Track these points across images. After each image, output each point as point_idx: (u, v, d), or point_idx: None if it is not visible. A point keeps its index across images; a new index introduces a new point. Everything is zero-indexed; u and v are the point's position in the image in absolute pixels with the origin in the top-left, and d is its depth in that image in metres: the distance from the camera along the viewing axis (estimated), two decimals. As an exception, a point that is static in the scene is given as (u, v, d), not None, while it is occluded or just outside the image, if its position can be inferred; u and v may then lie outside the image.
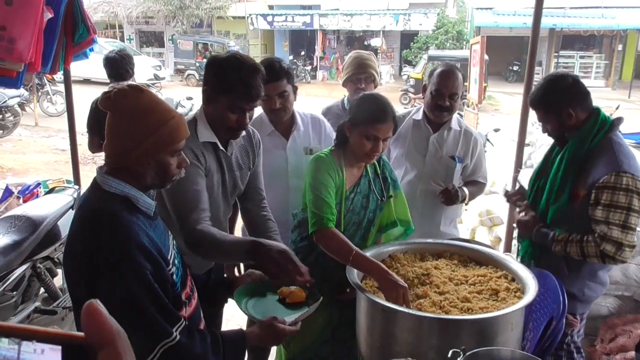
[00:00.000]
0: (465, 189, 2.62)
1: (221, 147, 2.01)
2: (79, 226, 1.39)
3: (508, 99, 17.31)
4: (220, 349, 1.48)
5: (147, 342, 1.32)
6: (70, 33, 3.02)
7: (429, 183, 2.66)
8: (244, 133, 2.09)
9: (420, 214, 2.67)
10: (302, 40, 24.74)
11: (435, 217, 2.71)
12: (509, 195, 2.72)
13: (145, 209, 1.45)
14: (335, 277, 2.11)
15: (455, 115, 2.69)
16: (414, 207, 2.68)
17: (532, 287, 1.76)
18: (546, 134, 2.30)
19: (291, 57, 23.00)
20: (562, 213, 2.22)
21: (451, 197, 2.54)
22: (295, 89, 2.46)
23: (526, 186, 3.40)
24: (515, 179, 3.33)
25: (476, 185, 2.74)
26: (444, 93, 2.53)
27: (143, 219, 1.42)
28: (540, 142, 3.76)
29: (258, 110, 2.51)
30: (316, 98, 16.17)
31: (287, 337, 1.65)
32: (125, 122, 1.39)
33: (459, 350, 1.38)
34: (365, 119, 2.03)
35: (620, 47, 20.41)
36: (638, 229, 2.13)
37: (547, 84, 2.22)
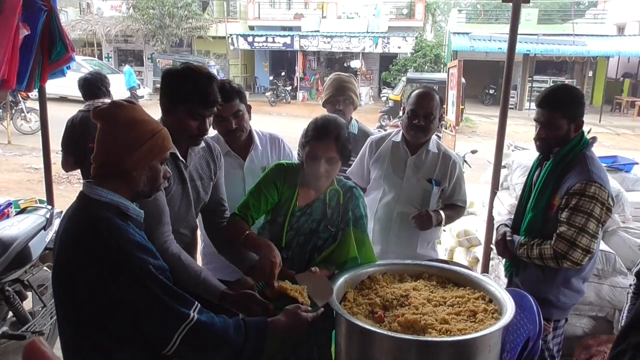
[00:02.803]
0: (442, 212, 2.62)
1: (181, 158, 2.05)
2: (73, 237, 1.43)
3: (484, 121, 17.68)
4: (242, 330, 1.52)
5: (167, 329, 1.41)
6: (47, 50, 2.99)
7: (406, 206, 2.66)
8: (203, 144, 2.15)
9: (397, 236, 2.67)
10: (282, 61, 24.93)
11: (412, 239, 2.70)
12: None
13: (136, 216, 1.52)
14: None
15: (433, 138, 2.71)
16: (391, 229, 2.68)
17: (509, 308, 1.78)
18: (538, 141, 2.38)
19: (271, 78, 23.13)
20: (536, 222, 2.35)
21: (424, 222, 2.54)
22: (249, 108, 2.47)
23: (503, 207, 3.47)
24: (492, 201, 3.38)
25: (454, 209, 2.73)
26: (419, 113, 2.57)
27: (133, 226, 1.49)
28: (516, 164, 3.82)
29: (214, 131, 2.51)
30: (296, 118, 16.27)
31: None
32: (123, 129, 1.47)
33: (437, 373, 1.37)
34: (307, 137, 2.08)
35: (590, 73, 21.11)
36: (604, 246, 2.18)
37: (570, 90, 2.38)
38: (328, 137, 2.03)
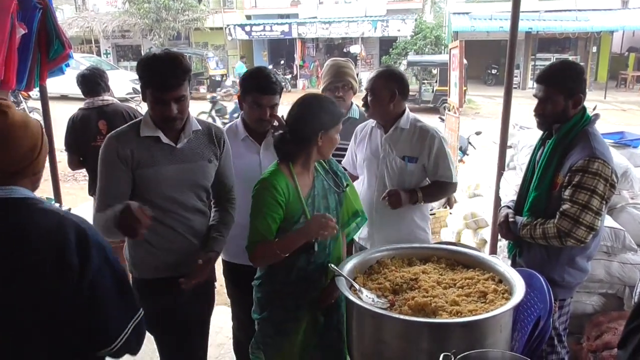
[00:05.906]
0: (418, 191, 2.57)
1: (165, 140, 2.09)
2: (50, 242, 1.33)
3: (488, 102, 17.55)
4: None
5: (125, 318, 1.45)
6: (44, 49, 2.97)
7: (385, 185, 2.65)
8: (200, 127, 2.20)
9: (381, 217, 2.66)
10: (281, 49, 24.78)
11: (397, 219, 2.65)
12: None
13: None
14: (319, 289, 2.12)
15: (406, 114, 2.64)
16: (376, 211, 2.68)
17: (519, 288, 1.78)
18: (536, 117, 2.36)
19: (271, 67, 22.99)
20: (539, 201, 2.33)
21: (393, 201, 2.52)
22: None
23: (510, 187, 3.45)
24: (499, 181, 3.36)
25: (439, 186, 2.64)
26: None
27: None
28: (522, 144, 3.79)
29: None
30: (298, 107, 16.18)
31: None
32: (20, 132, 1.38)
33: (449, 354, 1.37)
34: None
35: (594, 49, 20.81)
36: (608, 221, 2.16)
37: (568, 65, 2.34)
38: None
